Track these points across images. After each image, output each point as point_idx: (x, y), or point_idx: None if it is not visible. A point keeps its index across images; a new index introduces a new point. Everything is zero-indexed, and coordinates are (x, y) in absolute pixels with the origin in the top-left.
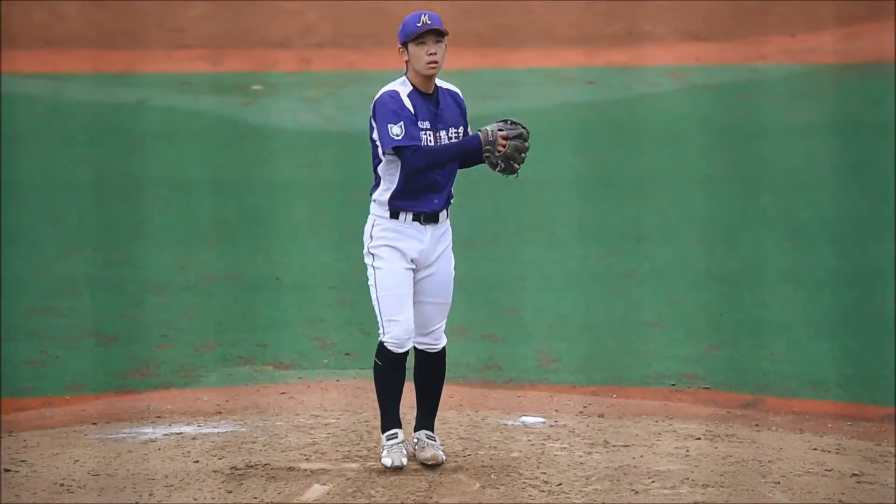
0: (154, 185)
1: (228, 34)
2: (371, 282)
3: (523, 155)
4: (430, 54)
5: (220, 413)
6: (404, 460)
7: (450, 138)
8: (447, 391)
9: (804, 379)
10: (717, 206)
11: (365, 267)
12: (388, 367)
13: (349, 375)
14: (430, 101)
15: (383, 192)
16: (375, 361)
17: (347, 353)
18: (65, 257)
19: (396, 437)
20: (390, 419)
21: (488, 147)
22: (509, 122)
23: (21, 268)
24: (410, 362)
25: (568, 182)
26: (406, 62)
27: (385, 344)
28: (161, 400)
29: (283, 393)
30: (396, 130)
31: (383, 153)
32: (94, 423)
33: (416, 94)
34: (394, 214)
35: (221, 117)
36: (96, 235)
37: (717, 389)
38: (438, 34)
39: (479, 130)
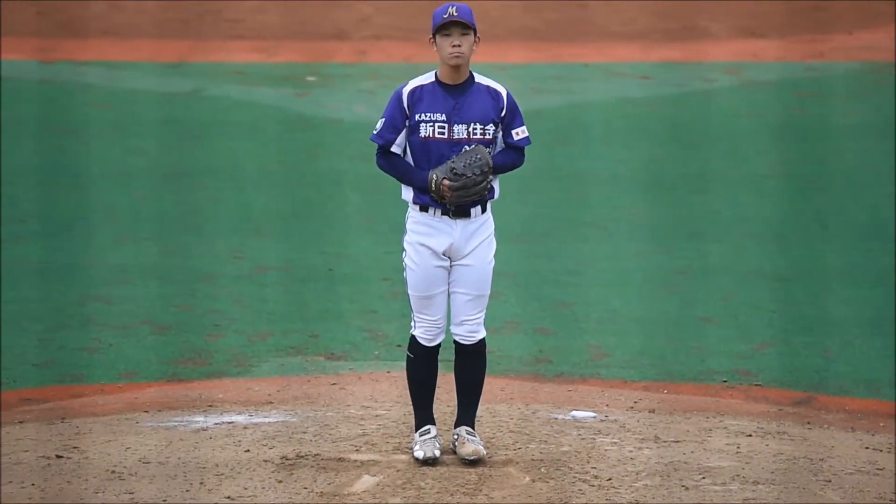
0: (208, 175)
1: (283, 25)
2: (404, 274)
3: (480, 193)
4: (454, 46)
5: (271, 403)
6: (437, 452)
7: (470, 133)
8: (498, 384)
9: (857, 377)
10: (771, 205)
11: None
12: (420, 360)
13: (400, 367)
14: (453, 94)
15: (406, 191)
16: (407, 354)
17: (399, 345)
18: (119, 246)
19: (429, 433)
20: (423, 416)
21: (434, 192)
22: (456, 170)
23: (75, 256)
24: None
25: (622, 178)
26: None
27: (416, 337)
28: (213, 389)
29: (334, 384)
30: (378, 126)
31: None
32: (146, 411)
33: (436, 85)
34: (423, 208)
35: (276, 108)
36: (150, 225)
37: (768, 386)
38: (464, 26)
39: (432, 171)
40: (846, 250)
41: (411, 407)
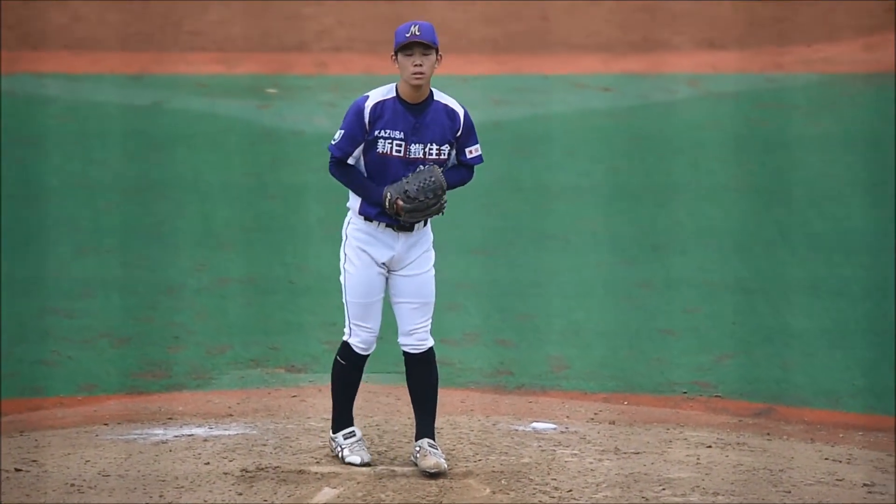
0: (169, 187)
1: (245, 37)
2: (342, 281)
3: (431, 211)
4: (416, 66)
5: (231, 415)
6: (368, 456)
7: (426, 153)
8: (458, 396)
9: (816, 388)
10: (732, 216)
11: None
12: (351, 368)
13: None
14: (413, 112)
15: (354, 199)
16: (337, 359)
17: None
18: (79, 258)
19: (355, 435)
20: (346, 418)
21: (388, 210)
22: (410, 193)
23: (35, 268)
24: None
25: (583, 190)
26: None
27: (351, 345)
28: (173, 401)
29: (294, 396)
30: (336, 136)
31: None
32: (105, 424)
33: (397, 102)
34: (368, 218)
35: (237, 120)
36: (111, 237)
37: (729, 398)
38: (426, 46)
39: (387, 189)
40: (808, 262)
41: (372, 419)
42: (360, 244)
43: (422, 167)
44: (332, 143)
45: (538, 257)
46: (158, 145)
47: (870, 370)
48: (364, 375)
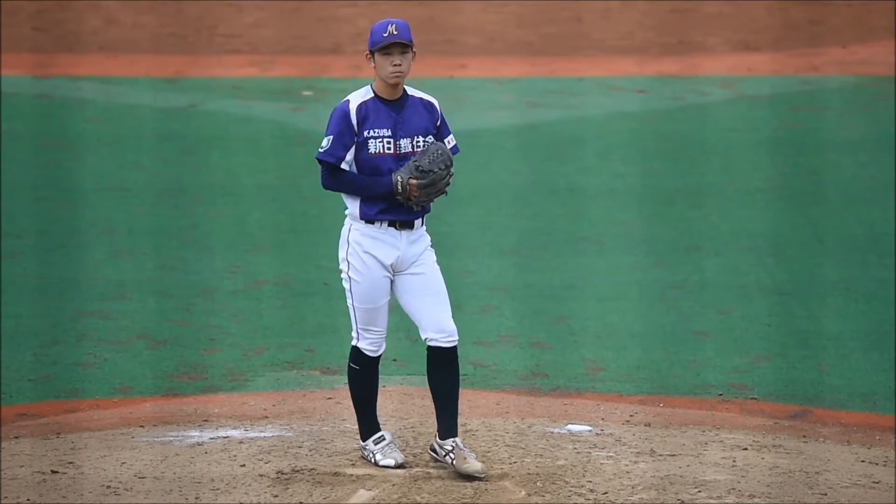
0: (204, 189)
1: (279, 40)
2: (347, 288)
3: (442, 189)
4: (395, 65)
5: (266, 417)
6: (402, 457)
7: (415, 146)
8: (494, 398)
9: (853, 391)
10: (767, 218)
11: (339, 271)
12: (366, 370)
13: (395, 381)
14: (394, 109)
15: (352, 204)
16: (351, 366)
17: (394, 360)
18: (115, 261)
19: (385, 439)
20: (372, 424)
21: (400, 194)
22: (422, 167)
23: (71, 271)
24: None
25: (618, 192)
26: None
27: (362, 349)
28: (208, 403)
29: (329, 398)
30: (324, 143)
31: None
32: (141, 426)
33: (377, 101)
34: (369, 220)
35: (272, 123)
36: (147, 240)
37: (764, 400)
38: (404, 46)
39: (395, 174)
40: (842, 264)
41: (407, 421)
42: (365, 248)
43: (423, 145)
44: (321, 151)
45: (572, 260)
46: (193, 148)
47: None
48: (399, 378)
